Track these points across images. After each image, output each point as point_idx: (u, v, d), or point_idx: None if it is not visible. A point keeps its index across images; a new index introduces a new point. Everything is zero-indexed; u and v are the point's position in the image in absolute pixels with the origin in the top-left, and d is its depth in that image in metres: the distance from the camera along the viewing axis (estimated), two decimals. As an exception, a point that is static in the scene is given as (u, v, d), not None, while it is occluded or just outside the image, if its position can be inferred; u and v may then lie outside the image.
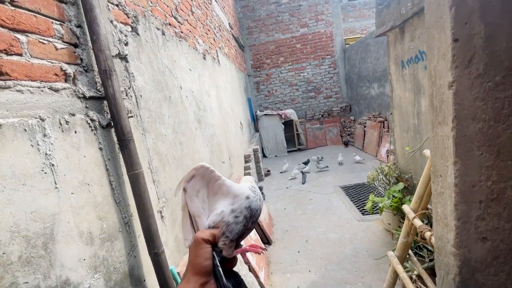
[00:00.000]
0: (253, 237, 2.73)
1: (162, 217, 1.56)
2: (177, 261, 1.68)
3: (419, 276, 1.86)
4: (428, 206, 1.48)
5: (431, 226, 2.02)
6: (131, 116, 1.37)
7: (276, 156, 7.76)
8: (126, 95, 1.39)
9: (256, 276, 2.27)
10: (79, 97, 1.07)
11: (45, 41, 0.96)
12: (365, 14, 9.04)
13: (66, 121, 0.98)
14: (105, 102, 1.20)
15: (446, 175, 0.77)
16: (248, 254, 2.33)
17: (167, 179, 1.70)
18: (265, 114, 7.74)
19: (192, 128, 2.36)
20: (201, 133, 2.61)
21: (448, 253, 0.82)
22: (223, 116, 3.84)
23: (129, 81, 1.43)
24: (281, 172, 5.94)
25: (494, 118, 0.68)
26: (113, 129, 1.22)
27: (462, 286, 0.80)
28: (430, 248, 1.99)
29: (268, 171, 6.07)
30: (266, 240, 3.11)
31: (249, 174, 4.60)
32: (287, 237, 3.22)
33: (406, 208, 1.50)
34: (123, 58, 1.41)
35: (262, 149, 7.78)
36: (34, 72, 0.90)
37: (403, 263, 1.61)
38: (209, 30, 3.73)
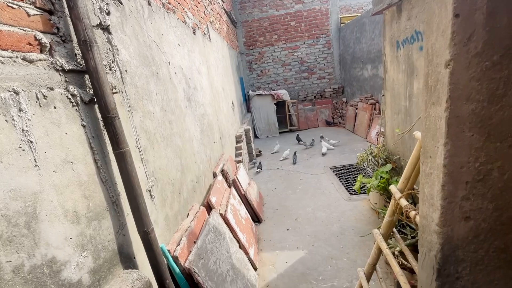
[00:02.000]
0: (243, 215, 2.78)
1: (151, 196, 1.55)
2: (168, 239, 1.69)
3: (401, 252, 1.95)
4: (414, 186, 1.52)
5: (415, 206, 2.09)
6: (116, 92, 1.30)
7: (267, 137, 7.77)
8: (110, 70, 1.31)
9: (246, 253, 2.34)
10: (57, 70, 0.99)
11: (14, 5, 0.87)
12: (362, -9, 8.74)
13: (44, 96, 0.92)
14: (87, 76, 1.13)
15: (436, 156, 0.77)
16: (238, 232, 2.39)
17: (156, 158, 1.67)
18: (257, 94, 7.63)
19: (182, 107, 2.30)
20: (191, 112, 2.55)
21: (432, 231, 0.85)
22: (214, 95, 3.75)
23: (113, 55, 1.35)
24: (272, 153, 5.98)
25: (488, 99, 0.67)
26: (96, 106, 1.16)
27: (443, 262, 0.83)
28: (413, 226, 2.07)
29: (260, 151, 6.08)
30: (257, 219, 3.18)
31: (240, 154, 4.60)
32: (277, 216, 3.30)
33: (393, 188, 1.53)
34: (105, 29, 1.31)
35: (254, 129, 7.75)
36: (4, 40, 0.82)
37: (387, 240, 1.67)
38: (199, 3, 3.52)
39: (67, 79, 1.03)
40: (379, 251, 1.68)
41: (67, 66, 1.03)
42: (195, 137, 2.55)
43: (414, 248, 2.08)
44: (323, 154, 5.34)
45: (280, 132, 7.85)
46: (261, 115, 7.73)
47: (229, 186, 3.09)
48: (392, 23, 2.67)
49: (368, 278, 1.79)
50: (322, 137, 6.16)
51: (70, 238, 0.95)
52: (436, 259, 0.84)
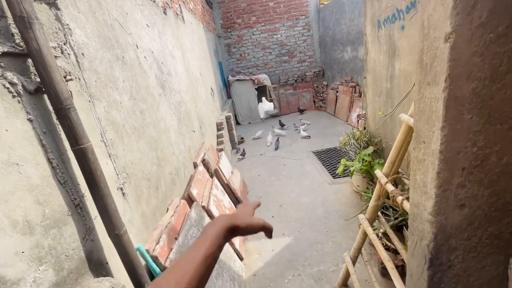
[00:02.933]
0: (227, 205, 2.71)
1: (123, 194, 1.42)
2: (146, 238, 1.58)
3: (384, 234, 1.98)
4: (400, 170, 1.50)
5: (396, 187, 2.11)
6: (71, 79, 1.12)
7: (249, 123, 7.64)
8: (62, 53, 1.13)
9: (231, 244, 2.29)
10: (-14, 53, 0.81)
11: None
12: (340, -29, 8.53)
13: (-31, 85, 0.74)
14: (30, 60, 0.95)
15: (431, 141, 0.70)
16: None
17: (126, 152, 1.51)
18: (237, 80, 7.41)
19: (155, 94, 2.11)
20: (166, 100, 2.37)
21: (424, 220, 0.80)
22: (192, 81, 3.55)
23: (64, 35, 1.15)
24: (254, 139, 5.89)
25: (490, 77, 0.61)
26: (46, 96, 0.99)
27: (435, 251, 0.79)
28: (395, 208, 2.10)
29: (242, 138, 5.98)
30: (241, 208, 3.12)
31: (221, 142, 4.47)
32: (262, 203, 3.25)
33: (378, 173, 1.50)
34: (52, 3, 1.11)
35: (235, 116, 7.59)
36: None
37: (373, 223, 1.67)
38: (169, -21, 3.22)
39: (2, 64, 0.85)
40: (365, 236, 1.68)
41: (0, 49, 0.84)
42: (171, 127, 2.39)
43: (397, 229, 2.12)
44: (269, 145, 5.25)
45: (262, 118, 7.75)
46: (242, 101, 7.55)
47: (211, 176, 2.98)
48: (373, 1, 2.58)
49: (354, 262, 1.80)
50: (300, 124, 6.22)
51: (22, 252, 0.82)
52: (428, 249, 0.80)
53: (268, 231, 0.56)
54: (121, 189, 1.40)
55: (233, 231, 0.52)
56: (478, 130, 0.64)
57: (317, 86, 8.04)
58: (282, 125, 6.36)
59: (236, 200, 3.06)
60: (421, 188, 0.80)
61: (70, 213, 1.02)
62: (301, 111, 7.51)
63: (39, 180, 0.91)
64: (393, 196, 1.28)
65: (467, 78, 0.61)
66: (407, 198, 1.18)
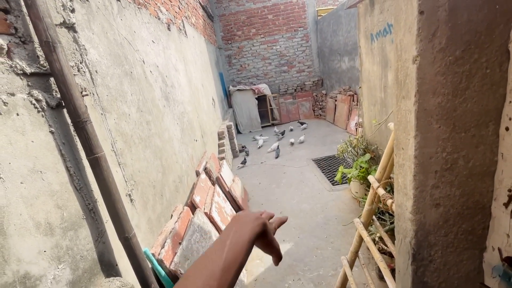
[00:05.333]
0: (229, 212, 2.78)
1: (131, 200, 1.51)
2: (151, 242, 1.66)
3: (381, 238, 2.05)
4: (391, 175, 1.58)
5: (391, 193, 2.19)
6: (86, 95, 1.24)
7: (250, 132, 7.76)
8: (78, 71, 1.24)
9: (233, 249, 2.35)
10: (17, 74, 0.93)
11: (-38, 5, 0.79)
12: (337, -16, 8.82)
13: (4, 102, 0.85)
14: (52, 79, 1.06)
15: (408, 148, 0.80)
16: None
17: (134, 161, 1.61)
18: (238, 90, 7.57)
19: (160, 106, 2.23)
20: (170, 111, 2.48)
21: (406, 219, 0.89)
22: (194, 92, 3.68)
23: (80, 55, 1.28)
24: (258, 148, 6.01)
25: (452, 92, 0.71)
26: (65, 110, 1.09)
27: (417, 247, 0.88)
28: (391, 213, 2.17)
29: (243, 147, 6.08)
30: (242, 215, 3.18)
31: (223, 151, 4.57)
32: (262, 210, 3.32)
33: (371, 178, 1.59)
34: (70, 27, 1.23)
35: (236, 125, 7.72)
36: (-48, 43, 0.75)
37: (368, 227, 1.74)
38: (172, -3, 3.40)
39: (29, 83, 0.97)
40: (361, 239, 1.75)
41: (28, 69, 0.96)
42: (175, 137, 2.50)
43: (393, 233, 2.18)
44: (270, 151, 5.50)
45: (262, 127, 7.87)
46: (242, 110, 7.70)
47: (213, 184, 3.07)
48: (366, 16, 2.73)
49: (351, 265, 1.86)
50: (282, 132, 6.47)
51: (44, 251, 0.91)
52: (411, 245, 0.88)
53: (278, 258, 0.52)
54: (129, 195, 1.50)
55: (262, 236, 0.47)
56: (446, 138, 0.74)
57: (316, 95, 8.19)
58: (283, 133, 6.49)
59: (237, 207, 3.13)
60: (402, 189, 0.89)
61: (84, 217, 1.11)
62: (302, 124, 7.26)
63: (59, 186, 1.01)
64: (384, 199, 1.36)
65: (433, 93, 0.71)
66: (396, 201, 1.27)
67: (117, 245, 1.26)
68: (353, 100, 6.00)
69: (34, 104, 0.96)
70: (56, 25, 1.14)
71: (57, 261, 0.95)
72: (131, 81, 1.77)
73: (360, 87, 3.19)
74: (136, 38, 1.99)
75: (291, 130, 6.89)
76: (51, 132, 1.02)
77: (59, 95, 1.07)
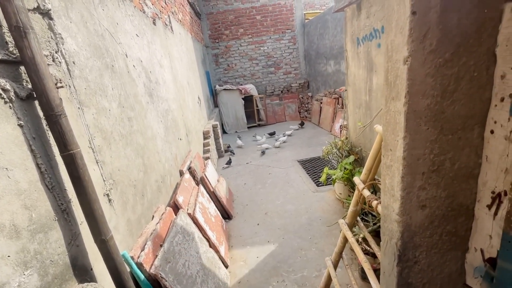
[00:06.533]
0: (213, 213, 2.72)
1: (110, 200, 1.42)
2: (131, 245, 1.58)
3: (364, 239, 2.07)
4: (376, 177, 1.60)
5: (375, 194, 2.22)
6: (62, 87, 1.15)
7: (236, 132, 7.71)
8: (53, 61, 1.16)
9: (217, 251, 2.30)
10: (-19, 60, 0.84)
11: None
12: (324, -11, 8.98)
13: (-36, 91, 0.77)
14: (22, 68, 0.98)
15: (396, 149, 0.80)
16: (208, 230, 2.33)
17: (114, 159, 1.53)
18: (224, 89, 7.50)
19: (143, 102, 2.14)
20: (154, 108, 2.40)
21: (393, 220, 0.89)
22: (179, 90, 3.59)
23: (56, 44, 1.19)
24: (238, 147, 5.97)
25: (441, 95, 0.71)
26: (37, 102, 1.01)
27: (402, 248, 0.88)
28: (374, 214, 2.21)
29: (228, 147, 6.02)
30: (227, 215, 3.14)
31: (208, 150, 4.49)
32: (247, 211, 3.29)
33: (356, 179, 1.60)
34: (45, 13, 1.14)
35: (222, 125, 7.64)
36: None
37: (352, 228, 1.75)
38: (159, -9, 3.30)
39: (-5, 71, 0.88)
40: (345, 240, 1.76)
41: (-5, 56, 0.87)
42: (158, 135, 2.41)
43: (376, 234, 2.22)
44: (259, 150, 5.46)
45: (248, 127, 7.84)
46: (229, 110, 7.63)
47: (197, 184, 3.00)
48: (352, 20, 2.77)
49: (335, 266, 1.87)
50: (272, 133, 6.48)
51: (8, 256, 0.82)
52: (397, 246, 0.88)
53: None
54: (108, 195, 1.41)
55: None
56: (434, 140, 0.75)
57: (302, 97, 8.28)
58: (271, 134, 6.48)
59: (222, 208, 3.08)
60: (389, 191, 0.89)
61: (56, 218, 1.03)
62: (302, 124, 6.98)
63: (27, 185, 0.93)
64: (369, 201, 1.37)
65: (423, 95, 0.71)
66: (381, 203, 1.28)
67: (92, 248, 1.18)
68: (338, 103, 6.11)
69: (0, 94, 0.88)
70: (29, 10, 1.05)
71: (23, 267, 0.86)
72: (113, 74, 1.68)
73: (345, 90, 3.23)
74: (119, 30, 1.90)
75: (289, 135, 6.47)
76: (20, 125, 0.93)
77: (30, 86, 0.99)
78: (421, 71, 0.69)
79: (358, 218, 1.82)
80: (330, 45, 6.31)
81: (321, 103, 6.91)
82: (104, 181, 1.40)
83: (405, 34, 0.68)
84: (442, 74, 0.69)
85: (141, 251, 1.55)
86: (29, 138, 0.96)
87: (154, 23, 2.87)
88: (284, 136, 6.21)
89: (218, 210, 2.98)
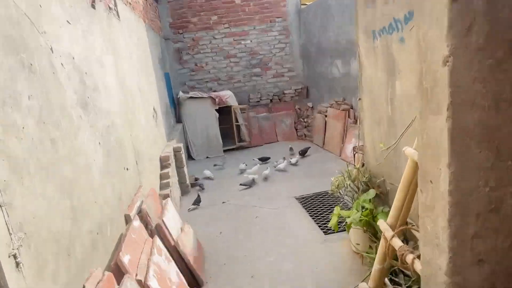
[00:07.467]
0: (174, 279, 2.61)
1: (17, 264, 1.33)
2: (48, 334, 1.46)
3: (396, 310, 2.04)
4: (408, 220, 1.62)
5: (407, 243, 2.24)
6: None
7: (207, 157, 7.66)
8: None
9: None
10: None
11: None
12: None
13: None
14: None
15: (439, 181, 0.82)
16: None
17: (27, 201, 1.46)
18: (191, 97, 7.54)
19: (73, 116, 2.10)
20: (89, 125, 2.36)
21: (439, 282, 0.88)
22: (127, 99, 3.57)
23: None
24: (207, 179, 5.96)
25: (494, 106, 0.74)
26: None
27: (455, 324, 0.87)
28: (408, 274, 2.20)
29: (196, 179, 5.94)
30: (195, 282, 3.02)
31: (167, 185, 4.41)
32: (224, 274, 3.20)
33: (382, 224, 1.61)
34: None
35: (187, 147, 7.58)
36: None
37: (378, 296, 1.73)
38: (101, -36, 3.39)
39: None
40: (370, 313, 1.73)
41: None
42: (95, 163, 2.35)
43: (411, 303, 2.21)
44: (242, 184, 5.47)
45: (225, 150, 7.83)
46: (197, 126, 7.63)
47: (151, 235, 2.89)
48: (365, 8, 2.95)
49: None
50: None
51: None
52: (447, 322, 0.87)
53: None
54: (15, 256, 1.33)
55: None
56: (489, 167, 0.77)
57: (299, 109, 8.48)
58: (264, 160, 6.43)
59: (187, 270, 2.96)
60: (432, 240, 0.89)
61: None
62: (304, 152, 6.84)
63: None
64: (402, 254, 1.37)
65: (471, 106, 0.74)
66: (419, 256, 1.28)
67: None
68: (349, 117, 6.30)
69: None
70: None
71: None
72: (31, 77, 1.65)
73: (359, 99, 3.36)
74: (43, 15, 1.90)
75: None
76: None
77: None
78: (467, 75, 0.73)
79: (387, 280, 1.80)
80: (336, 38, 6.63)
81: (326, 116, 7.09)
82: (10, 234, 1.32)
83: (443, 27, 0.72)
84: (495, 78, 0.73)
85: None
86: None
87: (93, 6, 2.90)
88: (284, 160, 6.16)
89: (183, 273, 2.87)
